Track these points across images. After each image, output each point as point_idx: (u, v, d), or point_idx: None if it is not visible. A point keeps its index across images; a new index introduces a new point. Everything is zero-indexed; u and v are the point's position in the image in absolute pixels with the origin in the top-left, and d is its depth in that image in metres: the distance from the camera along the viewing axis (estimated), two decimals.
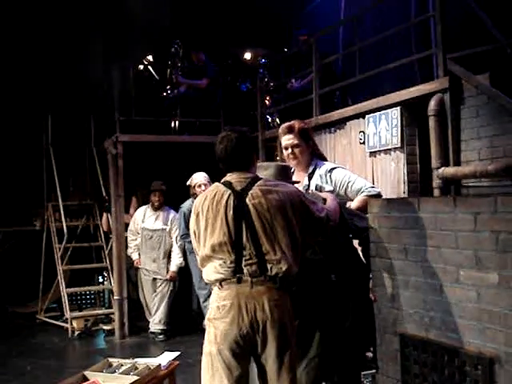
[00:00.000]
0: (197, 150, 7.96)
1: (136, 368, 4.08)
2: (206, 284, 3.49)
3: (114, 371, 4.03)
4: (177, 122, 8.69)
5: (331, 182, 4.02)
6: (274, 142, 7.85)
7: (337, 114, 6.66)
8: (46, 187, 9.39)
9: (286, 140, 4.11)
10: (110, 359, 4.28)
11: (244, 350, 2.99)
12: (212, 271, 3.05)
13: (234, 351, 2.96)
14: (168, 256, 7.76)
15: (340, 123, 6.63)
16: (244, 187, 3.10)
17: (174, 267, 7.68)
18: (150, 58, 9.19)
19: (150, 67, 9.13)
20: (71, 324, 7.94)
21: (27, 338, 7.81)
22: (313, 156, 4.18)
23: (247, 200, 3.04)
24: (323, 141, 6.91)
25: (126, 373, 3.97)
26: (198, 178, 6.87)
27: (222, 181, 3.20)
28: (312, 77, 7.23)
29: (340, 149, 6.61)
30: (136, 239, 7.97)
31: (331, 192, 3.91)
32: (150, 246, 7.82)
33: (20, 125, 9.33)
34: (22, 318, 8.91)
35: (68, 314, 8.03)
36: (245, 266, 2.99)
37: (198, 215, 3.13)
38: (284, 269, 3.01)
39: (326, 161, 4.32)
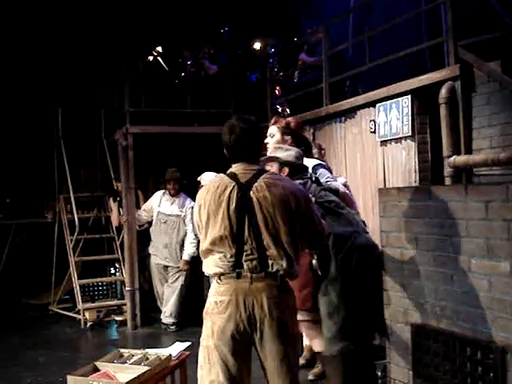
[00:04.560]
0: (207, 140, 7.95)
1: (147, 358, 4.08)
2: None
3: (125, 362, 4.03)
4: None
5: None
6: None
7: (347, 103, 6.61)
8: (57, 179, 9.42)
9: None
10: (121, 350, 4.28)
11: (241, 346, 2.94)
12: (212, 264, 2.99)
13: (231, 347, 2.91)
14: (181, 244, 7.67)
15: (350, 112, 6.58)
16: (249, 179, 3.01)
17: (186, 256, 7.59)
18: (159, 48, 9.17)
19: (159, 58, 9.11)
20: (84, 315, 7.98)
21: (40, 329, 7.85)
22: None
23: (251, 193, 2.96)
24: (333, 130, 6.88)
25: (137, 363, 3.97)
26: (206, 179, 6.76)
27: (228, 172, 3.11)
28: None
29: (350, 138, 6.57)
30: (144, 215, 7.96)
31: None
32: (163, 231, 7.75)
33: (31, 118, 9.37)
34: (35, 310, 8.96)
35: (80, 306, 8.07)
36: (245, 261, 2.92)
37: (200, 207, 3.06)
38: (285, 266, 2.93)
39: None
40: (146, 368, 3.80)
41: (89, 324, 7.93)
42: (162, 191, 7.99)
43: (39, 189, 9.42)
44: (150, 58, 9.18)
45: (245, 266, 2.92)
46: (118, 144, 8.09)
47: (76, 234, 8.58)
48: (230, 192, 2.96)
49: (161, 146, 8.66)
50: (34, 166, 9.36)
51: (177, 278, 7.68)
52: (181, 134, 8.47)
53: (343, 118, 6.72)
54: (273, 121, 4.50)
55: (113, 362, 4.00)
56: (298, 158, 3.95)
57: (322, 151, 5.25)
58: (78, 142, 9.38)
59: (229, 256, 2.93)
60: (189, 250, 7.58)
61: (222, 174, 3.14)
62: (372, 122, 6.17)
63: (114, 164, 8.97)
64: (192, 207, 7.41)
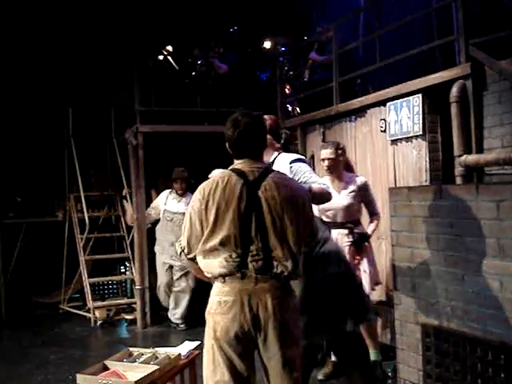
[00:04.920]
0: (217, 139, 7.94)
1: (156, 357, 4.08)
2: None
3: (135, 360, 4.03)
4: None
5: (290, 173, 3.96)
6: (294, 130, 7.82)
7: (357, 102, 6.59)
8: (67, 178, 9.45)
9: None
10: (131, 348, 4.28)
11: (245, 346, 2.91)
12: (216, 265, 2.92)
13: (235, 347, 2.89)
14: None
15: (361, 111, 6.56)
16: (257, 178, 2.96)
17: None
18: (169, 48, 9.17)
19: (169, 57, 9.11)
20: (94, 314, 8.01)
21: (50, 327, 7.88)
22: (273, 149, 4.23)
23: (259, 192, 2.91)
24: (344, 129, 6.86)
25: (147, 362, 3.98)
26: None
27: (233, 168, 3.05)
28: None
29: (361, 137, 6.54)
30: (154, 214, 7.97)
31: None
32: (169, 229, 7.74)
33: (42, 118, 9.38)
34: (46, 308, 9.00)
35: (90, 304, 8.10)
36: (250, 261, 2.87)
37: (207, 204, 2.94)
38: (290, 267, 2.90)
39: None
40: (155, 367, 3.80)
41: (99, 322, 7.96)
42: (168, 190, 8.00)
43: (50, 188, 9.45)
44: (160, 57, 9.18)
45: (250, 267, 2.88)
46: (128, 143, 8.11)
47: (86, 232, 8.61)
48: (240, 191, 2.91)
49: (171, 146, 8.67)
50: (44, 165, 9.39)
51: (183, 281, 7.66)
52: (191, 133, 8.47)
53: (353, 117, 6.70)
54: None
55: (122, 361, 4.00)
56: None
57: (339, 151, 5.21)
58: (89, 141, 9.40)
59: (234, 256, 2.88)
60: None
61: (227, 171, 3.05)
62: (382, 121, 6.14)
63: (124, 163, 8.99)
64: None
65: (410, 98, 5.70)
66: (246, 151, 3.05)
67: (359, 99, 6.61)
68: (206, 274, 3.05)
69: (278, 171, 3.22)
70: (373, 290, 5.18)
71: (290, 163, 4.06)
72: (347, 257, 4.76)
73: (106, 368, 3.90)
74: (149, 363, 3.94)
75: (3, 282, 8.89)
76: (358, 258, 4.99)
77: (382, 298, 5.76)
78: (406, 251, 3.94)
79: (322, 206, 5.04)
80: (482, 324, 3.32)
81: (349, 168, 5.46)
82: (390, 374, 5.01)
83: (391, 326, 5.46)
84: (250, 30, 9.32)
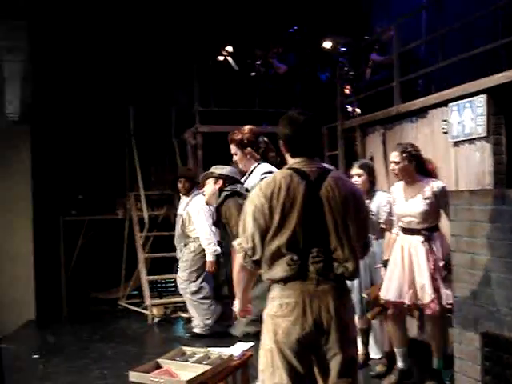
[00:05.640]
0: (275, 140, 7.91)
1: (209, 357, 4.08)
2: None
3: (187, 360, 4.04)
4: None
5: None
6: (353, 131, 7.72)
7: (419, 102, 6.42)
8: (128, 177, 9.62)
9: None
10: (184, 347, 4.30)
11: (305, 349, 2.86)
12: (279, 269, 2.86)
13: (296, 350, 2.84)
14: (184, 245, 7.24)
15: (422, 112, 6.39)
16: (317, 178, 2.91)
17: (209, 257, 6.97)
18: (229, 48, 9.22)
19: (229, 58, 9.15)
20: (151, 311, 8.11)
21: (109, 323, 8.04)
22: (254, 160, 4.63)
23: (321, 192, 2.87)
24: (404, 130, 6.71)
25: (199, 362, 3.98)
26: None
27: (293, 167, 2.97)
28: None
29: (422, 138, 6.38)
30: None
31: None
32: (176, 231, 7.50)
33: (104, 116, 9.58)
34: (105, 304, 9.19)
35: (148, 301, 8.20)
36: (311, 263, 2.83)
37: (271, 203, 2.85)
38: (350, 268, 2.86)
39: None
40: (207, 367, 3.80)
41: (156, 320, 8.05)
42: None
43: (111, 186, 9.64)
44: (220, 57, 9.24)
45: (311, 269, 2.83)
46: (187, 143, 8.17)
47: (145, 230, 8.73)
48: (304, 191, 2.86)
49: (229, 146, 8.68)
50: (106, 164, 9.59)
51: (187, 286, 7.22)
52: None
53: (414, 118, 6.54)
54: (229, 138, 4.79)
55: (175, 360, 4.02)
56: (231, 172, 4.50)
57: (405, 154, 4.95)
58: (149, 140, 9.54)
59: (296, 259, 2.83)
60: (210, 250, 6.97)
61: (287, 170, 2.98)
62: (444, 122, 5.96)
63: (183, 163, 9.08)
64: (198, 207, 6.99)
65: (474, 98, 5.51)
66: (304, 149, 3.00)
67: (421, 99, 6.45)
68: (265, 279, 2.96)
69: (336, 170, 3.17)
70: None
71: (262, 174, 4.35)
72: (426, 264, 4.67)
73: (158, 366, 3.93)
74: (201, 363, 3.95)
75: (65, 278, 9.14)
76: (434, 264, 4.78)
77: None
78: (466, 257, 3.81)
79: (397, 212, 5.01)
80: None
81: (427, 171, 5.08)
82: (447, 382, 4.86)
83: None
84: (309, 29, 9.26)
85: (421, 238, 4.81)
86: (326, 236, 2.85)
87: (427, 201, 4.81)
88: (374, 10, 9.49)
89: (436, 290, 4.62)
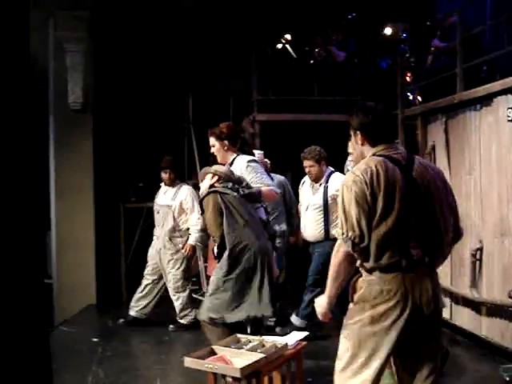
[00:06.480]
0: (334, 128, 7.82)
1: (263, 345, 4.08)
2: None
3: (242, 347, 4.05)
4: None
5: (246, 170, 4.83)
6: (414, 119, 7.55)
7: (483, 90, 6.20)
8: (186, 165, 9.69)
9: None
10: (239, 335, 4.31)
11: (400, 333, 2.85)
12: (387, 256, 2.83)
13: (390, 334, 2.85)
14: (169, 237, 7.15)
15: (486, 99, 6.17)
16: (407, 162, 2.93)
17: (191, 239, 7.09)
18: (288, 36, 9.15)
19: (287, 46, 9.09)
20: None
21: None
22: (232, 152, 5.05)
23: (415, 175, 2.89)
24: (467, 119, 6.50)
25: (253, 349, 3.98)
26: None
27: (380, 154, 2.95)
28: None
29: (486, 128, 6.17)
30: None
31: None
32: (156, 222, 7.39)
33: (164, 104, 9.66)
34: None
35: (205, 288, 8.25)
36: (412, 247, 2.82)
37: (373, 190, 2.80)
38: (446, 253, 2.94)
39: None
40: (262, 355, 3.80)
41: None
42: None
43: None
44: (279, 45, 9.19)
45: (411, 254, 2.83)
46: (245, 131, 8.17)
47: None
48: (400, 176, 2.85)
49: (287, 134, 8.65)
50: (165, 152, 9.68)
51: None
52: (307, 122, 8.41)
53: (478, 106, 6.32)
54: (209, 132, 5.16)
55: (229, 347, 4.03)
56: (227, 171, 4.76)
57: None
58: (207, 128, 9.55)
59: (398, 244, 2.82)
60: (196, 234, 7.07)
61: (376, 157, 2.93)
62: (510, 110, 5.75)
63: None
64: (191, 195, 7.08)
65: None
66: (385, 136, 3.02)
67: (485, 86, 6.22)
68: (368, 266, 2.89)
69: (417, 156, 3.15)
70: None
71: (248, 162, 4.85)
72: None
73: (213, 352, 3.95)
74: (255, 351, 3.94)
75: (124, 264, 9.30)
76: None
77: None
78: None
79: None
80: None
81: None
82: (507, 378, 4.73)
83: None
84: (369, 16, 9.08)
85: None
86: (423, 220, 2.85)
87: None
88: None
89: None
